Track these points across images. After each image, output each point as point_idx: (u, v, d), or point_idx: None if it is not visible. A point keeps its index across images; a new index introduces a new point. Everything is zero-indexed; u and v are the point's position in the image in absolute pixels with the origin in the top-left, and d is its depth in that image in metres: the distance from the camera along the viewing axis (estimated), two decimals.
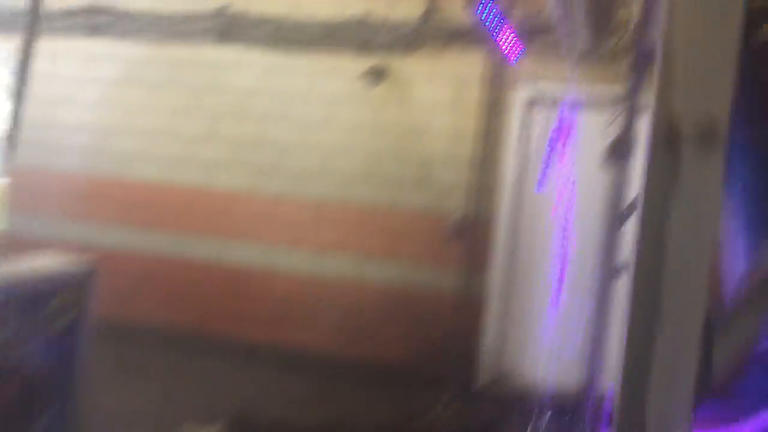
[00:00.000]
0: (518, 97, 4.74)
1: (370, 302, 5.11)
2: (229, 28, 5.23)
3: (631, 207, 2.52)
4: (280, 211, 5.30)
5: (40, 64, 3.37)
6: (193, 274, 5.42)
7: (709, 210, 0.77)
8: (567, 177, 3.79)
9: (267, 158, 5.28)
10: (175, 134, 5.46)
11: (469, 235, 4.90)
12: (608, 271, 3.07)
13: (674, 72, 0.79)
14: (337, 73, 5.09)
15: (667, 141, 0.79)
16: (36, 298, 2.57)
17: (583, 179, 4.11)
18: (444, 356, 4.80)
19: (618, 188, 2.91)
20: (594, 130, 3.36)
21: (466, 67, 4.84)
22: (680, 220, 0.77)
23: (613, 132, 2.91)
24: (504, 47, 3.79)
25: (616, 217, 2.96)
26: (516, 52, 3.96)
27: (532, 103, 4.78)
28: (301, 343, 5.18)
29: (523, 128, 4.82)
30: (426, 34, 4.86)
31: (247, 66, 5.27)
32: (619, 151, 2.84)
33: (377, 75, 4.94)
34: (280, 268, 5.31)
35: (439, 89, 4.90)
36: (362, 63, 4.99)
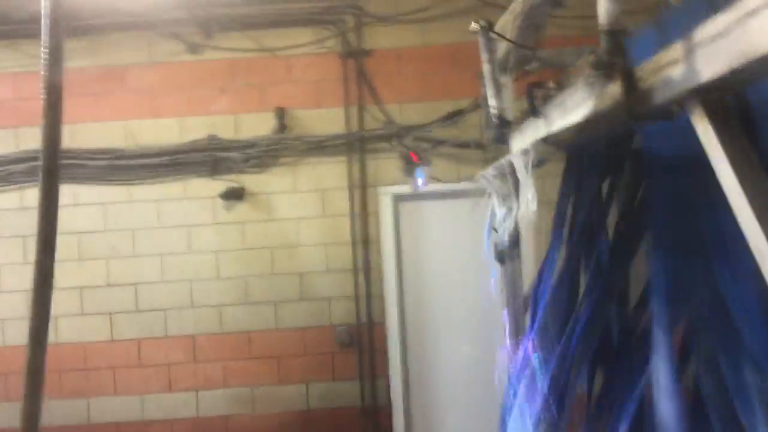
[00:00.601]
0: (387, 195, 4.97)
1: None
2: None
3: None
4: (146, 356, 5.04)
5: None
6: None
7: None
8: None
9: (122, 300, 5.05)
10: (5, 290, 5.05)
11: (361, 342, 4.98)
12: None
13: None
14: (190, 199, 5.06)
15: None
16: None
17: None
18: None
19: (512, 281, 3.15)
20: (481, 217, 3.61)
21: (328, 176, 5.03)
22: None
23: (499, 229, 3.17)
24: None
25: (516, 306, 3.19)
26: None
27: (401, 201, 5.03)
28: None
29: (396, 225, 5.05)
30: (280, 149, 4.99)
31: (85, 204, 5.06)
32: (505, 250, 3.09)
33: (235, 195, 4.97)
34: (154, 416, 5.02)
35: (303, 201, 5.04)
36: (216, 185, 4.99)
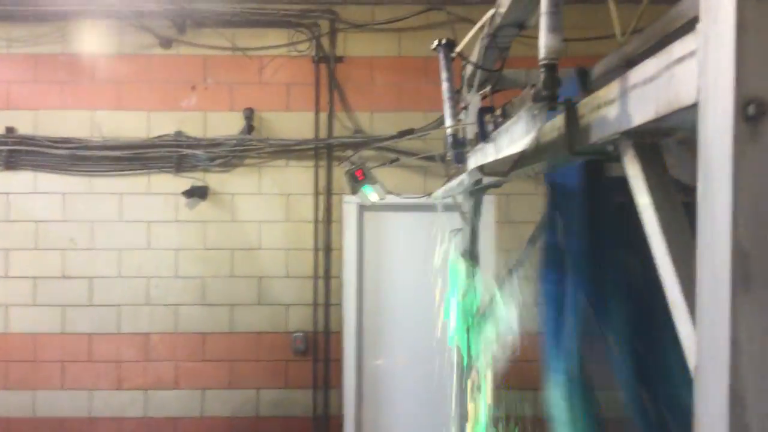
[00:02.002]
0: (352, 204, 4.94)
1: None
2: (16, 153, 4.91)
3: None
4: (97, 351, 4.96)
5: None
6: None
7: None
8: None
9: (77, 293, 4.95)
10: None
11: (317, 350, 4.93)
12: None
13: None
14: (153, 195, 4.98)
15: None
16: None
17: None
18: None
19: (471, 294, 3.13)
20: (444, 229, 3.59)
21: (294, 181, 4.98)
22: None
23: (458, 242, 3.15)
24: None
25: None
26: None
27: (365, 210, 5.00)
28: None
29: (360, 235, 5.02)
30: (247, 150, 4.93)
31: (44, 192, 4.96)
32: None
33: (198, 194, 4.90)
34: (103, 414, 4.93)
35: (267, 204, 4.99)
36: (180, 182, 4.92)
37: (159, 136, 4.98)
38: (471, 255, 3.00)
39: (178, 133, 4.98)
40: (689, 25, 1.01)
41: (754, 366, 0.73)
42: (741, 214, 0.75)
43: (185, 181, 4.95)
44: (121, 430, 4.97)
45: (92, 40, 5.00)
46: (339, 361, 4.98)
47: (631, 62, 1.76)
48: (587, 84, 1.51)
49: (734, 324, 0.74)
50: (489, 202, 4.67)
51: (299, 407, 4.96)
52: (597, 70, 2.08)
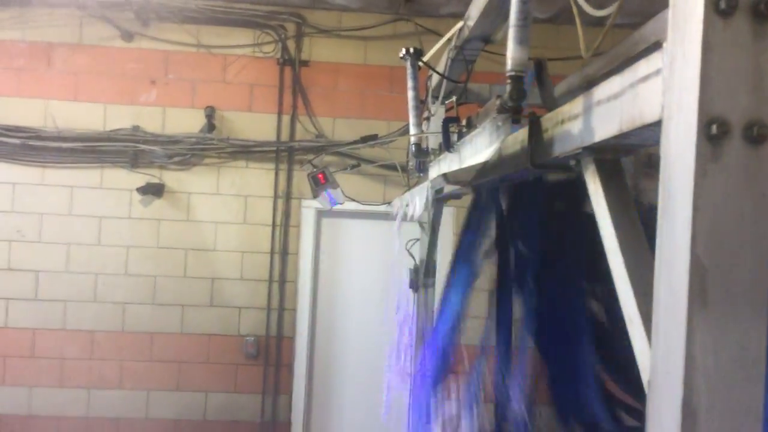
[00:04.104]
0: (311, 209, 4.91)
1: None
2: None
3: None
4: (41, 347, 4.81)
5: None
6: None
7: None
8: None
9: (22, 286, 4.80)
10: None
11: (268, 355, 4.87)
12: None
13: None
14: (106, 189, 4.88)
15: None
16: None
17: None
18: None
19: (426, 306, 3.13)
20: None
21: (253, 182, 4.93)
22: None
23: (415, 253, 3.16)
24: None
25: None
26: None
27: (324, 216, 4.97)
28: None
29: (317, 241, 4.99)
30: (207, 149, 4.86)
31: None
32: (419, 274, 3.08)
33: (153, 191, 4.81)
34: (41, 412, 4.78)
35: (224, 205, 4.92)
36: (135, 178, 4.82)
37: (115, 130, 4.88)
38: (428, 265, 3.00)
39: (136, 128, 4.88)
40: (651, 49, 1.03)
41: (708, 381, 0.74)
42: (700, 232, 0.75)
43: (140, 178, 4.86)
44: (60, 429, 4.82)
45: (52, 29, 4.88)
46: (290, 366, 4.93)
47: (593, 83, 1.79)
48: (543, 77, 1.51)
49: (690, 339, 0.74)
50: (448, 213, 4.69)
51: (247, 412, 4.89)
52: (559, 89, 2.11)
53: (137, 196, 4.85)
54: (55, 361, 4.85)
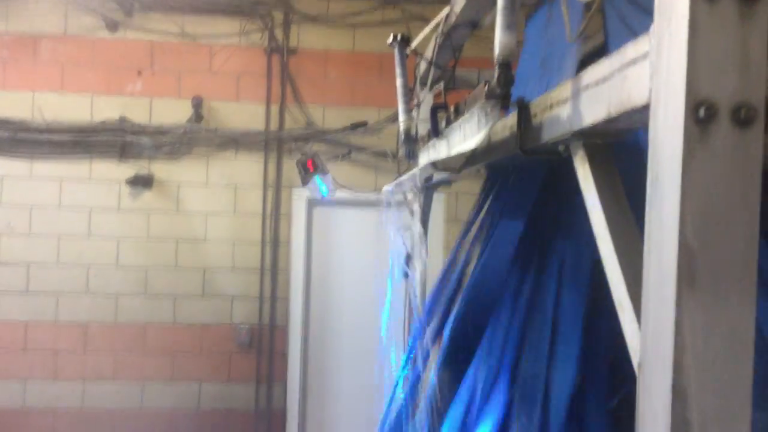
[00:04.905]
0: (301, 198, 4.90)
1: (152, 430, 4.81)
2: None
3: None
4: (33, 340, 4.80)
5: None
6: None
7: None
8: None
9: (12, 279, 4.78)
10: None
11: (262, 344, 4.88)
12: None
13: None
14: (95, 181, 4.85)
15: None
16: None
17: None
18: None
19: (415, 294, 3.13)
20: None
21: (243, 172, 4.91)
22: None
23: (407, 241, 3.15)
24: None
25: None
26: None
27: (315, 205, 4.96)
28: None
29: (309, 230, 4.98)
30: (195, 140, 4.84)
31: None
32: (410, 262, 3.08)
33: (142, 182, 4.79)
34: (36, 404, 4.78)
35: (214, 195, 4.90)
36: (124, 170, 4.80)
37: (103, 121, 4.84)
38: (419, 253, 3.00)
39: (123, 119, 4.85)
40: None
41: (697, 362, 0.74)
42: (689, 214, 0.76)
43: (129, 169, 4.83)
44: (56, 422, 4.82)
45: (37, 19, 4.82)
46: (284, 354, 4.94)
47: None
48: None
49: (679, 321, 0.75)
50: (438, 201, 4.69)
51: (242, 401, 4.89)
52: None
53: (126, 188, 4.82)
54: (49, 353, 4.84)
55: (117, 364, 4.86)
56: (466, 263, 1.90)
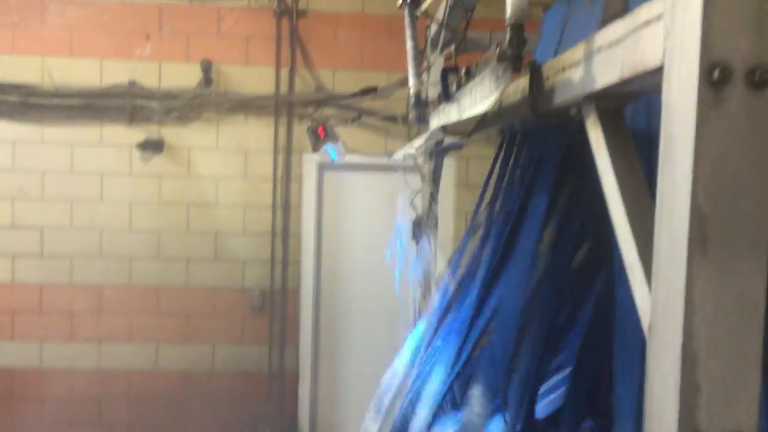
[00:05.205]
0: (312, 162, 4.89)
1: (167, 391, 4.92)
2: None
3: None
4: (48, 302, 4.87)
5: None
6: None
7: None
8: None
9: (26, 243, 4.83)
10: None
11: (274, 307, 4.93)
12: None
13: None
14: (106, 146, 4.86)
15: None
16: None
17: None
18: None
19: (426, 259, 3.15)
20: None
21: (253, 137, 4.90)
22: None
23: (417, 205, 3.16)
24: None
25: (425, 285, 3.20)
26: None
27: (326, 169, 4.96)
28: None
29: (319, 194, 4.99)
30: (204, 104, 4.82)
31: None
32: (421, 226, 3.09)
33: (153, 147, 4.79)
34: (53, 365, 4.87)
35: (225, 159, 4.91)
36: (134, 134, 4.80)
37: (112, 86, 4.83)
38: (429, 218, 3.01)
39: (132, 83, 4.83)
40: None
41: (708, 327, 0.75)
42: (701, 178, 0.75)
43: (139, 134, 4.83)
44: (73, 382, 4.91)
45: None
46: (296, 317, 4.99)
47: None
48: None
49: (689, 285, 0.75)
50: (449, 165, 4.67)
51: (255, 362, 4.96)
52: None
53: (137, 153, 4.83)
54: (64, 316, 4.91)
55: (131, 326, 4.93)
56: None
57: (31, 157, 4.84)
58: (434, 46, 2.87)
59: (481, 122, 1.52)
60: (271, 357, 4.96)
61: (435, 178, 2.89)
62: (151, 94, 4.82)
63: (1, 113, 4.80)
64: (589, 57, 1.15)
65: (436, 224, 3.00)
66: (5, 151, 4.83)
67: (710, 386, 0.74)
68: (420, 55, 2.47)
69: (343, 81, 4.91)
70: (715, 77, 0.75)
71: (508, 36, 1.28)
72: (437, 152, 2.96)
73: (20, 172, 4.85)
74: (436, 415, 1.77)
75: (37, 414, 4.89)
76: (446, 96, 1.76)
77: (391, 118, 4.77)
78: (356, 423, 4.96)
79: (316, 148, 4.40)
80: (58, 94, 4.79)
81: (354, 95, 4.64)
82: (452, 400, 1.80)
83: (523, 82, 1.46)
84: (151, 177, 4.89)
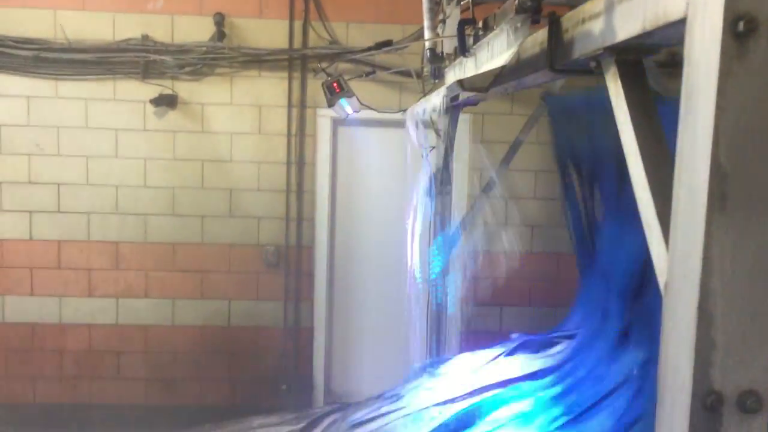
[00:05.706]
0: (326, 117, 4.86)
1: (184, 346, 5.02)
2: None
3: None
4: (66, 258, 4.93)
5: None
6: None
7: None
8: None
9: (43, 199, 4.88)
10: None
11: (288, 263, 4.96)
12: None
13: None
14: (120, 101, 4.85)
15: None
16: None
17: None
18: (275, 389, 4.95)
19: (442, 213, 3.15)
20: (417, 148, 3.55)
21: (267, 92, 4.87)
22: None
23: (434, 161, 3.14)
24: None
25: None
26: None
27: (340, 125, 4.94)
28: (108, 399, 4.99)
29: (333, 150, 4.97)
30: (218, 58, 4.78)
31: (8, 96, 4.80)
32: (440, 180, 3.08)
33: (166, 102, 4.77)
34: (72, 320, 4.97)
35: (238, 115, 4.89)
36: (148, 90, 4.78)
37: (125, 40, 4.79)
38: (444, 173, 2.99)
39: (145, 37, 4.79)
40: None
41: (724, 284, 0.74)
42: (723, 133, 0.74)
43: (153, 89, 4.81)
44: (91, 337, 5.01)
45: None
46: (310, 274, 5.03)
47: None
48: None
49: (708, 243, 0.74)
50: (464, 121, 4.63)
51: (270, 318, 5.03)
52: None
53: (151, 108, 4.82)
54: (82, 271, 4.98)
55: (148, 282, 4.99)
56: None
57: (45, 112, 4.85)
58: None
59: (498, 77, 1.50)
60: (286, 312, 5.02)
61: (450, 134, 2.86)
62: (164, 49, 4.79)
63: (14, 68, 4.80)
64: (610, 8, 1.13)
65: (450, 179, 2.99)
66: (20, 106, 4.84)
67: (726, 344, 0.74)
68: (436, 7, 2.42)
69: (357, 34, 4.84)
70: (739, 29, 0.73)
71: None
72: (453, 107, 2.93)
73: (36, 128, 4.86)
74: None
75: (56, 368, 5.01)
76: (462, 50, 1.74)
77: (406, 73, 4.70)
78: (370, 376, 5.04)
79: (331, 104, 4.36)
80: (71, 48, 4.77)
81: (368, 49, 4.57)
82: None
83: (541, 35, 1.43)
84: (166, 133, 4.89)
